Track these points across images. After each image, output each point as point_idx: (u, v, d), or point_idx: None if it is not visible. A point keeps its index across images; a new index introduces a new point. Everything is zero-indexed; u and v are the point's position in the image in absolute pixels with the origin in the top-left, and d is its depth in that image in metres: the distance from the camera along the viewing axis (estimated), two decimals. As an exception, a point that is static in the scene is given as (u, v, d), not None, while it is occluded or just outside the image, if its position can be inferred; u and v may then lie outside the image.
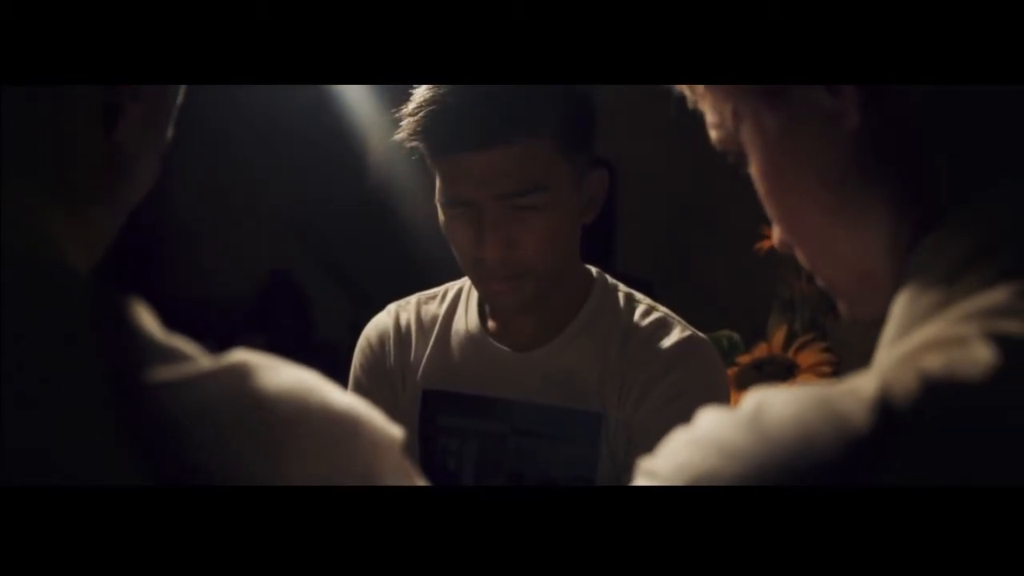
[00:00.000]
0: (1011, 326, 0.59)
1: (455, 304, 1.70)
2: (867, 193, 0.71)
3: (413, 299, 1.75)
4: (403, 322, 1.72)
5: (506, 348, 1.63)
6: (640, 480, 0.66)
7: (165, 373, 0.62)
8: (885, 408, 0.57)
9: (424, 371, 1.66)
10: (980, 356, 0.58)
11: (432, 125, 1.45)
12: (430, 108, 1.45)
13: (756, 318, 2.96)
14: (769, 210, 0.80)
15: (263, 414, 0.63)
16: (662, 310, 1.61)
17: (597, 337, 1.59)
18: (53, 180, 0.70)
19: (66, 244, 0.69)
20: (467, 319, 1.67)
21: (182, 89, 0.81)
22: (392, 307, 1.75)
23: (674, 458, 0.63)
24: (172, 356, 0.64)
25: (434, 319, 1.70)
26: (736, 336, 2.68)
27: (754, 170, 0.79)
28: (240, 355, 0.65)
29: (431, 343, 1.68)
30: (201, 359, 0.64)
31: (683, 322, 1.59)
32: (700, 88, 0.79)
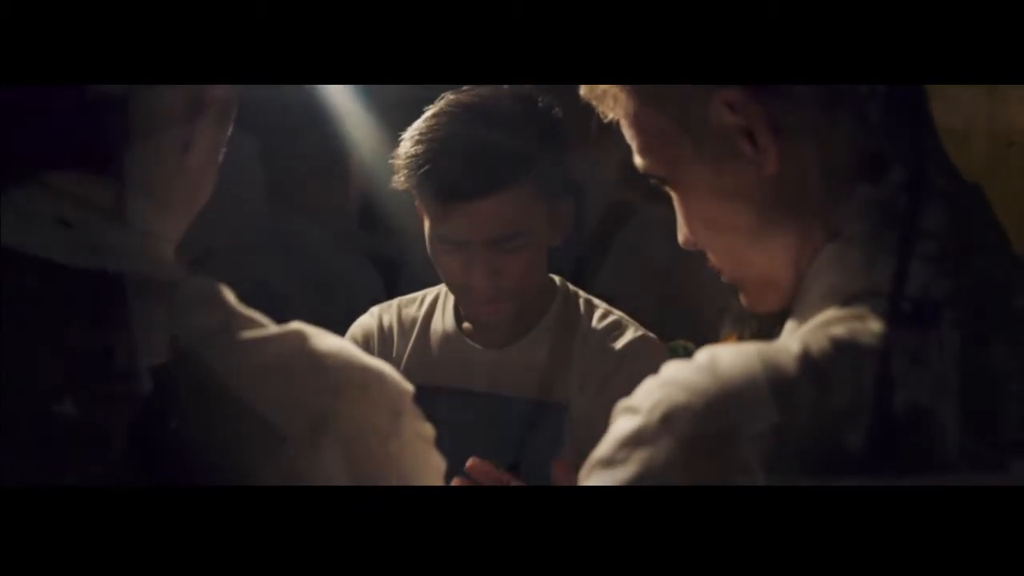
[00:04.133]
0: (890, 307, 0.87)
1: (433, 307, 1.88)
2: (777, 223, 0.92)
3: (395, 302, 1.92)
4: (385, 323, 1.88)
5: (479, 346, 1.82)
6: (622, 417, 0.85)
7: (249, 334, 0.85)
8: (806, 359, 0.80)
9: (404, 367, 1.83)
10: (873, 326, 0.83)
11: (429, 179, 1.65)
12: (427, 166, 1.64)
13: (709, 329, 3.13)
14: (686, 224, 0.98)
15: (317, 365, 0.86)
16: (617, 313, 1.80)
17: (561, 337, 1.78)
18: (156, 195, 0.95)
19: (164, 243, 0.93)
20: (444, 320, 1.85)
21: (232, 121, 1.01)
22: (375, 309, 1.91)
23: (649, 397, 0.84)
24: (251, 323, 0.86)
25: (414, 320, 1.87)
26: (691, 345, 2.85)
27: (676, 194, 0.98)
28: (297, 324, 0.88)
29: (411, 342, 1.86)
30: (271, 325, 0.87)
31: (635, 323, 1.79)
32: (635, 119, 0.96)
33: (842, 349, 0.81)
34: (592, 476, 0.91)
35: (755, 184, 0.91)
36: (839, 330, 0.83)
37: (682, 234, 1.00)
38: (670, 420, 0.80)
